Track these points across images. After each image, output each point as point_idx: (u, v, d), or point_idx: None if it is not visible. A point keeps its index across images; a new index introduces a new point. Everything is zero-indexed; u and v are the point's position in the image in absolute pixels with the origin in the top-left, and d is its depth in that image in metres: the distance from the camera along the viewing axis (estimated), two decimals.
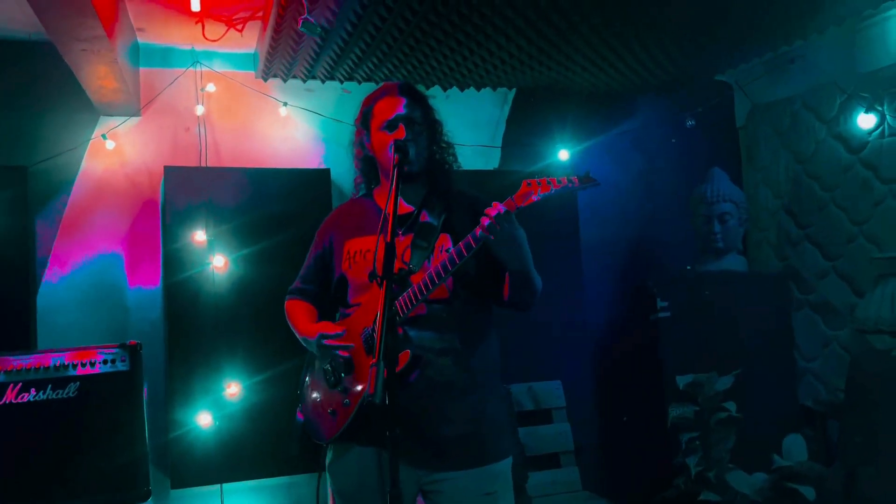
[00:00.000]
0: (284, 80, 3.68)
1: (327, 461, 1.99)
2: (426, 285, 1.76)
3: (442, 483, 1.81)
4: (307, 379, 2.09)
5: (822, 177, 3.94)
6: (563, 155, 4.13)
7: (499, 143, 4.28)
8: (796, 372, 4.00)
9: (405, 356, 1.79)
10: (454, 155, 2.06)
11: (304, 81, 3.71)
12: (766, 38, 3.57)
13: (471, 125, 4.23)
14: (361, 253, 1.95)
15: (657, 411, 3.76)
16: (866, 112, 3.59)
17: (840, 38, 3.70)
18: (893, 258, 3.25)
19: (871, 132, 3.63)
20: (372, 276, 1.71)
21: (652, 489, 3.56)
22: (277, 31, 3.00)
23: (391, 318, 1.59)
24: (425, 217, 1.91)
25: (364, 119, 1.99)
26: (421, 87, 3.83)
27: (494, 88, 4.04)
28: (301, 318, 2.05)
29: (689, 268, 4.18)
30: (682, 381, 3.51)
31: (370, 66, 3.48)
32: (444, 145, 2.01)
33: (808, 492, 3.08)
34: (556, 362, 3.99)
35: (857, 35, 3.68)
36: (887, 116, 3.54)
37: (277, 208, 3.65)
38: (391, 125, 1.91)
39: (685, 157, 4.40)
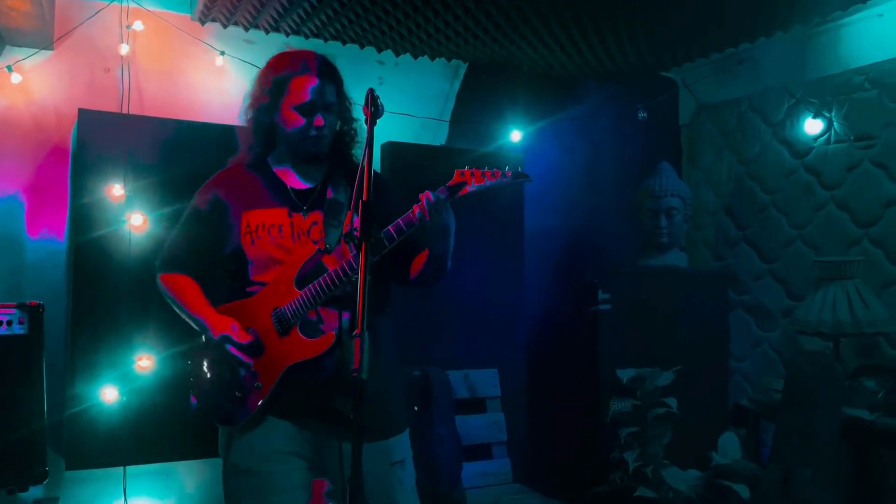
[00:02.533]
0: (224, 27, 3.35)
1: (222, 443, 1.88)
2: (344, 272, 1.72)
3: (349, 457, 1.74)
4: (204, 361, 1.93)
5: (765, 179, 3.98)
6: (516, 136, 3.98)
7: (447, 117, 4.09)
8: (729, 371, 4.04)
9: (329, 337, 1.75)
10: (356, 130, 1.97)
11: (246, 31, 3.39)
12: (713, 37, 3.55)
13: (419, 97, 4.01)
14: (265, 227, 1.83)
15: (592, 404, 3.69)
16: (813, 118, 3.64)
17: (790, 43, 3.75)
18: (837, 262, 3.30)
19: (816, 138, 3.68)
20: (349, 236, 1.53)
21: (586, 483, 3.48)
22: None
23: (369, 283, 1.46)
24: (331, 194, 1.87)
25: (275, 89, 1.86)
26: (368, 52, 3.65)
27: (449, 59, 3.86)
28: (191, 298, 1.93)
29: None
30: (624, 375, 3.45)
31: (320, 20, 3.21)
32: (351, 123, 1.90)
33: (743, 490, 3.08)
34: (493, 350, 3.85)
35: (808, 41, 3.72)
36: (834, 123, 3.60)
37: (206, 165, 3.24)
38: (306, 109, 1.82)
39: (629, 150, 4.36)
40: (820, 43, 3.71)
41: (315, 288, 1.75)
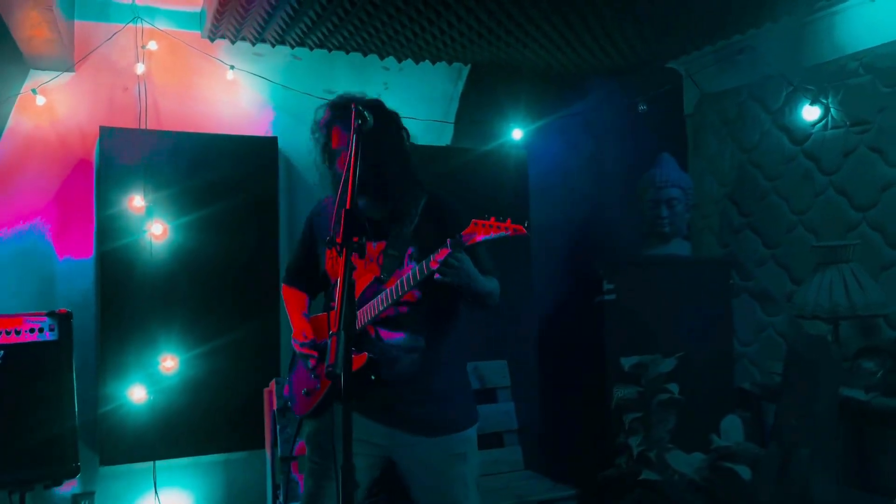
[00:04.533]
0: (232, 42, 3.51)
1: (305, 434, 2.17)
2: (393, 293, 1.96)
3: (416, 448, 2.05)
4: (294, 359, 2.27)
5: (766, 167, 4.03)
6: (517, 134, 4.10)
7: (452, 119, 4.21)
8: (733, 356, 4.11)
9: (361, 358, 1.99)
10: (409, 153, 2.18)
11: (253, 45, 3.55)
12: (720, 25, 3.61)
13: (424, 100, 4.14)
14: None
15: (599, 392, 3.81)
16: (811, 104, 3.69)
17: (788, 31, 3.79)
18: (833, 247, 3.36)
19: (814, 124, 3.73)
20: (330, 242, 1.69)
21: (594, 468, 3.60)
22: None
23: (351, 286, 1.65)
24: (398, 225, 2.08)
25: (324, 137, 2.10)
26: (372, 59, 3.79)
27: (450, 63, 3.98)
28: (291, 308, 2.26)
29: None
30: (627, 362, 3.55)
31: (324, 32, 3.36)
32: (364, 117, 1.96)
33: (744, 471, 3.16)
34: (502, 342, 3.98)
35: (804, 29, 3.76)
36: (831, 109, 3.65)
37: (221, 175, 3.49)
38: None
39: (633, 142, 4.44)
40: (816, 30, 3.75)
41: (366, 310, 2.01)
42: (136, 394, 3.28)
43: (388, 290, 1.97)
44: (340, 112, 2.04)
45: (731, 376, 4.03)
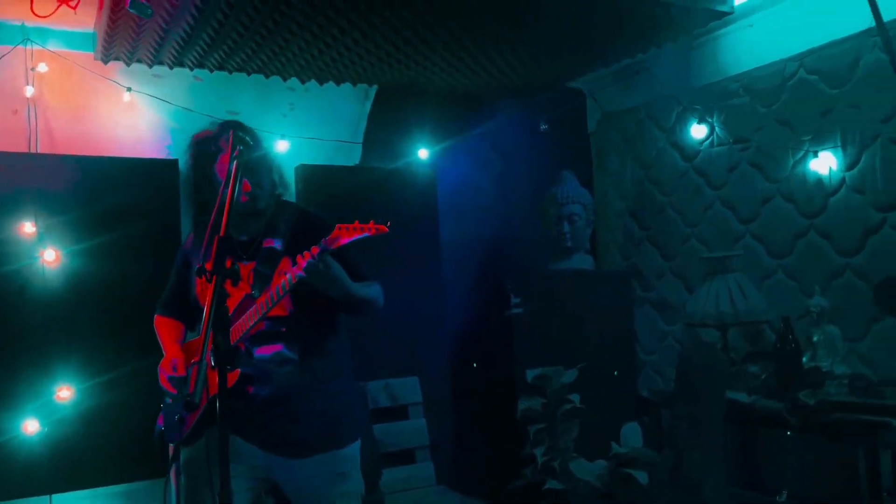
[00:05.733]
0: (127, 64, 3.47)
1: (182, 460, 2.09)
2: (264, 306, 1.94)
3: (296, 470, 2.02)
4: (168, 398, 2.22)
5: (662, 182, 4.23)
6: (423, 154, 4.17)
7: (360, 139, 4.26)
8: (637, 364, 4.27)
9: (234, 375, 1.98)
10: (283, 180, 2.21)
11: (150, 67, 3.51)
12: (617, 47, 3.78)
13: (331, 120, 4.18)
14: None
15: (509, 405, 3.89)
16: (698, 123, 3.89)
17: (677, 53, 4.00)
18: (719, 258, 3.54)
19: (702, 142, 3.94)
20: (200, 271, 1.68)
21: (503, 480, 3.67)
22: (115, 10, 2.83)
23: (221, 316, 1.63)
24: (269, 243, 2.09)
25: (208, 161, 2.09)
26: (277, 79, 3.81)
27: (354, 84, 4.02)
28: (163, 336, 2.22)
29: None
30: (531, 374, 3.64)
31: (221, 53, 3.35)
32: (245, 143, 1.98)
33: (642, 476, 3.28)
34: (414, 359, 4.02)
35: (692, 51, 3.98)
36: (716, 128, 3.86)
37: (119, 200, 3.43)
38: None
39: (541, 160, 4.59)
40: (702, 53, 3.97)
41: (237, 326, 1.98)
42: (29, 426, 3.17)
43: (258, 304, 1.95)
44: (217, 140, 2.06)
45: (635, 384, 4.19)
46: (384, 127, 4.28)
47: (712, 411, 3.21)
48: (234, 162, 1.84)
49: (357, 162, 4.24)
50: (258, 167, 2.05)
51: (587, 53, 3.81)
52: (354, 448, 2.13)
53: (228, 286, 1.86)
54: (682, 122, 4.06)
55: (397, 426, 3.86)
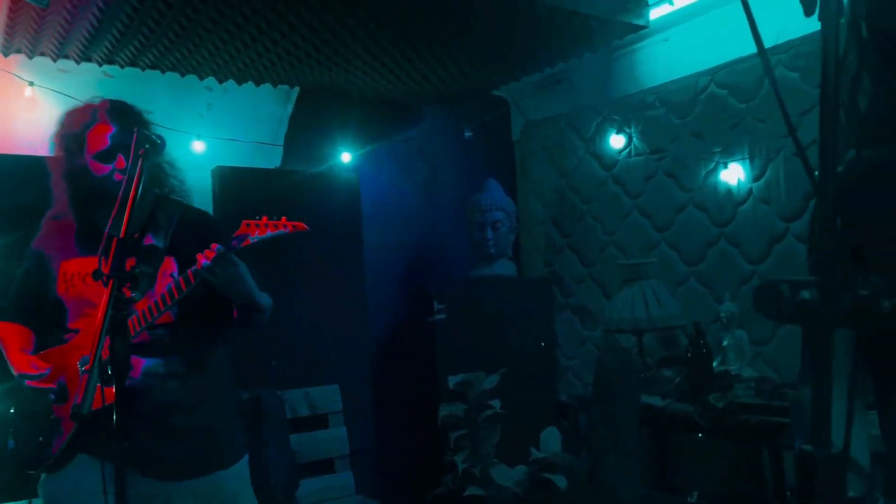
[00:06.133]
0: (29, 57, 3.28)
1: (40, 482, 1.86)
2: (150, 313, 1.77)
3: (179, 493, 1.82)
4: (17, 405, 1.96)
5: (582, 190, 4.31)
6: (347, 157, 4.12)
7: (281, 141, 4.16)
8: (558, 369, 4.33)
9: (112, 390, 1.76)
10: (171, 165, 2.01)
11: (54, 61, 3.33)
12: (534, 59, 3.83)
13: (252, 121, 4.07)
14: (80, 276, 1.87)
15: (431, 412, 3.87)
16: (617, 133, 3.99)
17: (597, 64, 4.09)
18: (635, 265, 3.63)
19: (620, 151, 4.03)
20: (97, 274, 1.57)
21: (423, 488, 3.64)
22: (15, 0, 2.66)
23: (120, 322, 1.53)
24: (149, 240, 1.87)
25: (74, 145, 1.88)
26: (194, 78, 3.68)
27: (275, 85, 3.94)
28: (8, 343, 1.92)
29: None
30: (452, 380, 3.63)
31: (132, 49, 3.21)
32: (167, 161, 1.90)
33: (560, 480, 3.32)
34: (335, 366, 3.95)
35: (611, 63, 4.07)
36: (633, 138, 3.96)
37: (17, 200, 3.22)
38: (106, 156, 1.85)
39: (466, 167, 4.61)
40: (620, 65, 4.07)
41: None
42: None
43: (143, 309, 1.77)
44: (115, 111, 1.87)
45: (556, 389, 4.24)
46: (306, 129, 4.20)
47: (628, 415, 3.28)
48: (140, 161, 1.76)
49: (278, 165, 4.14)
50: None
51: (510, 62, 3.85)
52: (242, 465, 1.94)
53: (99, 286, 1.64)
54: (602, 132, 4.15)
55: (316, 435, 3.77)
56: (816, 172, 0.88)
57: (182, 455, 1.83)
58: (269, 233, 1.75)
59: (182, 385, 1.85)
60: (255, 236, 1.74)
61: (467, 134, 4.26)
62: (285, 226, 1.76)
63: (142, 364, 1.82)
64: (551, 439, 3.56)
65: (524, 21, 3.24)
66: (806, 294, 0.84)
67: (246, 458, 1.97)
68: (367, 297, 4.18)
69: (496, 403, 3.54)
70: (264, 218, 1.75)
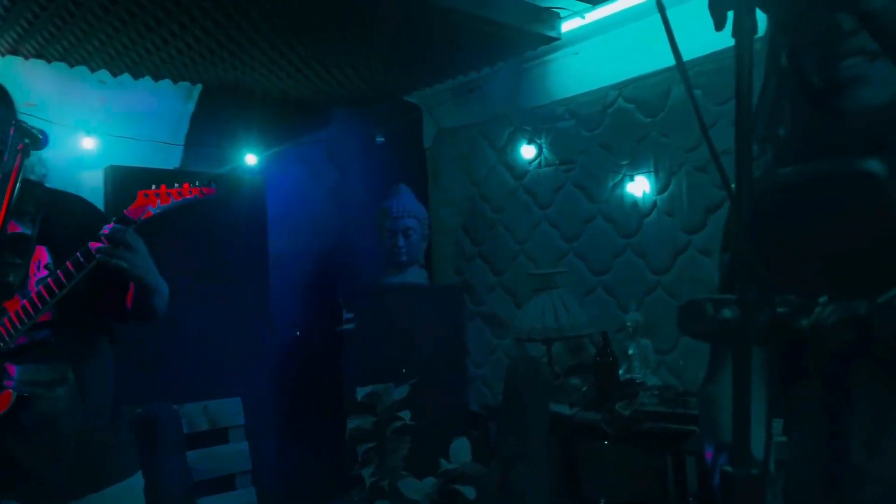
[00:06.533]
0: None
1: None
2: (26, 311, 1.58)
3: None
4: None
5: (493, 199, 4.32)
6: (251, 159, 3.95)
7: (181, 140, 3.94)
8: (467, 378, 4.31)
9: (7, 397, 1.60)
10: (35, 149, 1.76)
11: None
12: (447, 66, 3.81)
13: (149, 119, 3.82)
14: None
15: (338, 424, 3.75)
16: (528, 144, 4.02)
17: (510, 75, 4.11)
18: (545, 274, 3.66)
19: (531, 162, 4.06)
20: None
21: (328, 503, 3.52)
22: None
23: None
24: (14, 227, 1.66)
25: None
26: (84, 69, 3.43)
27: (175, 81, 3.73)
28: None
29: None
30: (361, 392, 3.54)
31: (13, 36, 2.95)
32: (33, 136, 1.68)
33: (469, 491, 3.29)
34: (237, 378, 3.76)
35: (522, 74, 4.11)
36: (544, 149, 4.00)
37: None
38: None
39: (377, 173, 4.52)
40: (532, 76, 4.10)
41: None
42: None
43: (17, 308, 1.58)
44: None
45: (465, 398, 4.22)
46: (209, 129, 3.99)
47: (537, 424, 3.28)
48: (19, 156, 1.60)
49: (177, 165, 3.92)
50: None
51: (423, 68, 3.81)
52: (136, 481, 1.78)
53: None
54: (513, 141, 4.17)
55: (216, 451, 3.58)
56: (733, 184, 0.87)
57: (68, 473, 1.66)
58: (173, 201, 1.59)
59: (69, 394, 1.67)
60: (157, 207, 1.58)
61: (379, 139, 4.18)
62: (190, 192, 1.60)
63: (19, 371, 1.63)
64: (461, 450, 3.53)
65: (437, 27, 3.21)
66: (727, 312, 0.82)
67: (139, 473, 1.81)
68: (271, 305, 4.02)
69: (405, 415, 3.48)
70: (163, 186, 1.58)
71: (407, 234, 4.06)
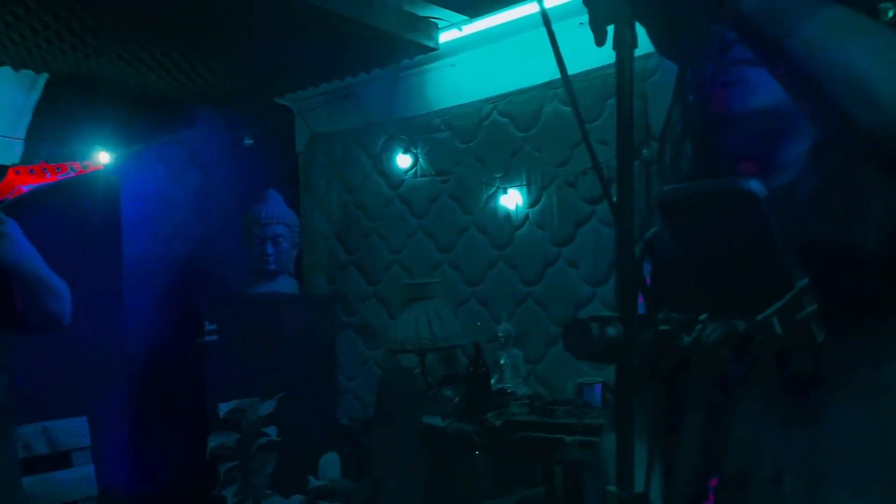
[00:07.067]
0: None
1: None
2: None
3: None
4: None
5: (368, 208, 4.24)
6: (104, 157, 3.63)
7: (22, 134, 3.57)
8: (338, 391, 4.20)
9: None
10: None
11: None
12: (320, 70, 3.71)
13: None
14: None
15: (199, 443, 3.52)
16: (404, 153, 3.99)
17: (386, 82, 4.07)
18: (419, 284, 3.63)
19: (407, 171, 4.03)
20: None
21: None
22: None
23: None
24: None
25: None
26: None
27: (16, 69, 3.38)
28: None
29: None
30: (224, 408, 3.34)
31: None
32: None
33: None
34: (82, 395, 3.44)
35: (399, 83, 4.08)
36: (420, 159, 3.99)
37: None
38: None
39: (246, 177, 4.32)
40: (408, 85, 4.08)
41: None
42: None
43: None
44: None
45: (335, 411, 4.10)
46: (55, 122, 3.64)
47: (409, 437, 3.24)
48: None
49: (16, 161, 3.53)
50: None
51: (295, 70, 3.69)
52: None
53: None
54: (389, 150, 4.13)
55: (56, 476, 3.24)
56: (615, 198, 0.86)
57: None
58: (50, 180, 1.42)
59: None
60: (28, 185, 1.40)
61: (248, 141, 3.99)
62: (71, 168, 1.41)
63: None
64: (330, 465, 3.42)
65: (311, 29, 3.11)
66: (612, 331, 0.81)
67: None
68: (125, 315, 3.72)
69: (272, 431, 3.32)
70: (41, 163, 1.39)
71: (276, 242, 3.91)
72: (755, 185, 0.69)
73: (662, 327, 0.81)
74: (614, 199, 0.84)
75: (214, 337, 3.67)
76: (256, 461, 3.33)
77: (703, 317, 0.78)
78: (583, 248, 3.41)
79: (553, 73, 3.32)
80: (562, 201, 3.49)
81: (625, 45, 0.90)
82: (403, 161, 3.99)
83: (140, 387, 3.76)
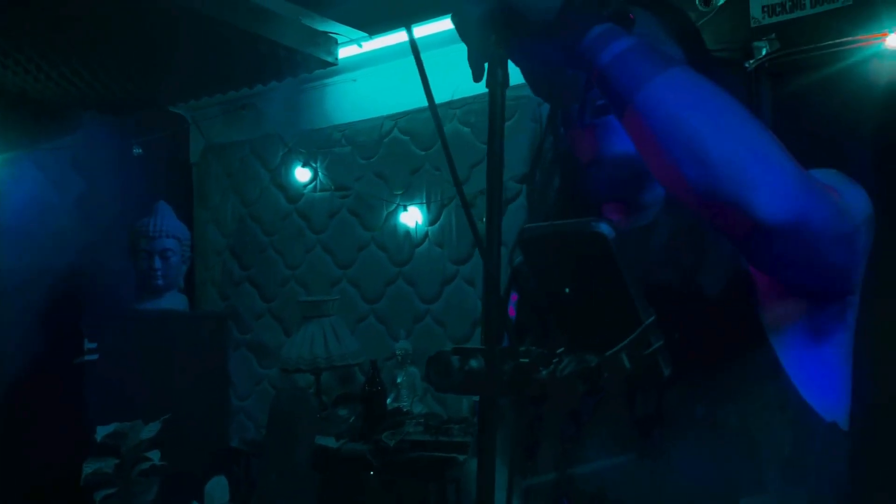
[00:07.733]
0: None
1: None
2: None
3: None
4: None
5: (265, 222, 4.14)
6: None
7: None
8: (229, 412, 4.05)
9: None
10: None
11: None
12: (215, 79, 3.59)
13: None
14: None
15: (74, 470, 3.30)
16: (303, 167, 3.92)
17: (286, 94, 3.99)
18: (315, 302, 3.56)
19: (306, 185, 3.96)
20: None
21: None
22: None
23: None
24: None
25: None
26: None
27: None
28: None
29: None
30: (102, 431, 3.14)
31: None
32: None
33: None
34: None
35: (300, 95, 4.01)
36: (319, 173, 3.93)
37: None
38: None
39: (135, 187, 4.11)
40: (309, 98, 4.02)
41: None
42: None
43: None
44: None
45: (227, 433, 3.95)
46: None
47: (301, 459, 3.16)
48: None
49: None
50: None
51: (188, 78, 3.55)
52: None
53: None
54: (288, 163, 4.04)
55: None
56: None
57: None
58: None
59: None
60: None
61: (136, 150, 3.81)
62: None
63: None
64: (217, 489, 3.27)
65: (205, 39, 3.00)
66: (474, 363, 0.81)
67: None
68: None
69: (155, 455, 3.14)
70: None
71: (165, 256, 3.73)
72: (605, 228, 0.71)
73: (522, 360, 0.82)
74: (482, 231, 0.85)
75: (95, 356, 3.46)
76: (136, 487, 3.15)
77: (559, 350, 0.79)
78: (480, 266, 3.44)
79: (452, 93, 3.36)
80: (460, 220, 3.52)
81: (496, 84, 0.93)
82: (302, 175, 3.92)
83: (10, 410, 3.49)
